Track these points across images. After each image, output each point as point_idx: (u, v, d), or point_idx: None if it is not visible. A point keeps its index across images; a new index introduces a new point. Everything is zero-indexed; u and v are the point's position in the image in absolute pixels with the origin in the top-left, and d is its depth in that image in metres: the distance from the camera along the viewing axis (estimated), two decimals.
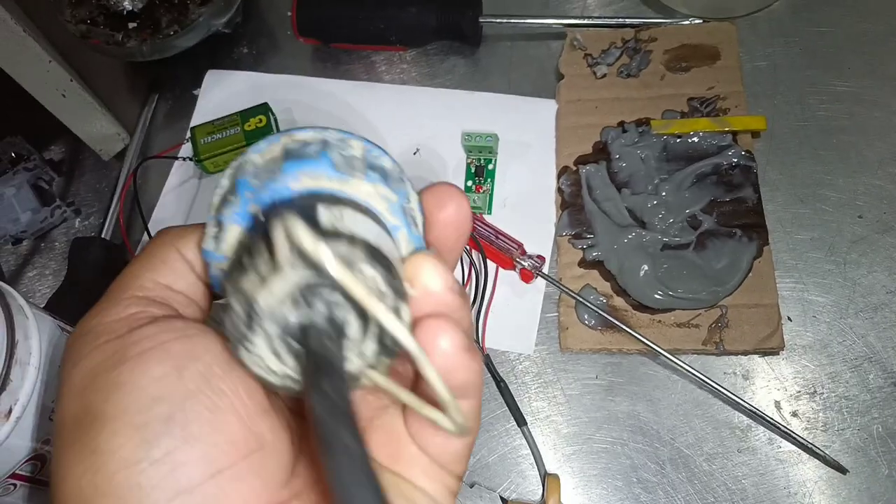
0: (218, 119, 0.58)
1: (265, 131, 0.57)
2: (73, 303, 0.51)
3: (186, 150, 0.58)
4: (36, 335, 0.31)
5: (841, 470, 0.42)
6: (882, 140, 0.51)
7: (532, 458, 0.45)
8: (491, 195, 0.53)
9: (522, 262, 0.48)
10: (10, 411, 0.29)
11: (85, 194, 0.60)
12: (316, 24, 0.59)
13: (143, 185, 0.59)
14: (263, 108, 0.58)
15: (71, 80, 0.53)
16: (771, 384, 0.45)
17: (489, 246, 0.49)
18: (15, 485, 0.31)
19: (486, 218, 0.52)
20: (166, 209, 0.57)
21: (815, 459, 0.42)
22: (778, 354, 0.46)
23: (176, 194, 0.58)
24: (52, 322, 0.33)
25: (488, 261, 0.50)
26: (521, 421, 0.45)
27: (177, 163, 0.59)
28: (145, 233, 0.55)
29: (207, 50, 0.63)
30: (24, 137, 0.61)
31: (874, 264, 0.47)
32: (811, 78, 0.54)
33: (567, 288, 0.48)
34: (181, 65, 0.63)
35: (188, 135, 0.59)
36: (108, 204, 0.58)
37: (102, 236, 0.55)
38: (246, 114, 0.57)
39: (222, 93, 0.62)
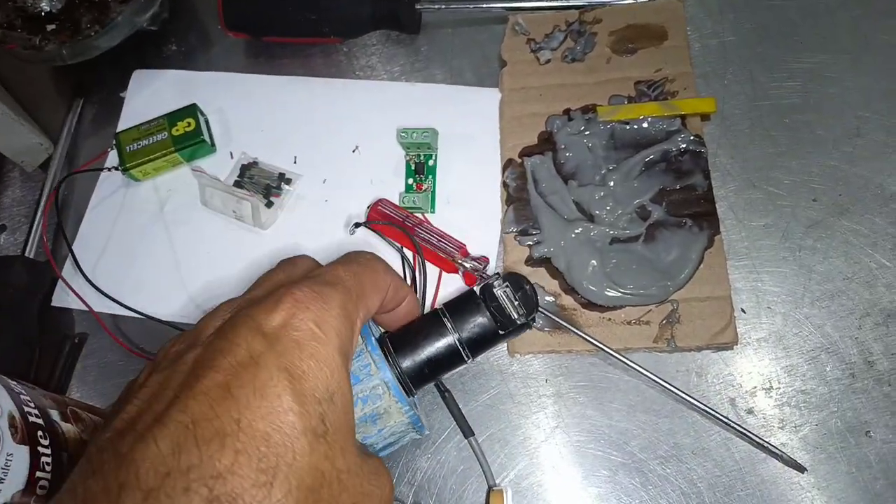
0: (144, 123, 0.55)
1: (194, 135, 0.54)
2: None
3: (113, 157, 0.55)
4: None
5: (799, 469, 0.40)
6: (836, 118, 0.49)
7: (480, 470, 0.43)
8: (433, 193, 0.51)
9: (464, 265, 0.46)
10: None
11: (10, 209, 0.57)
12: (244, 17, 0.56)
13: (70, 196, 0.56)
14: (191, 110, 0.55)
15: None
16: (725, 381, 0.43)
17: (430, 250, 0.47)
18: None
19: (429, 217, 0.50)
20: (93, 223, 0.54)
21: (773, 459, 0.41)
22: (732, 349, 0.44)
23: (104, 206, 0.55)
24: None
25: (431, 265, 0.47)
26: (467, 432, 0.43)
27: (104, 172, 0.56)
28: (70, 254, 0.52)
29: (133, 49, 0.60)
30: None
31: (830, 249, 0.45)
32: (762, 55, 0.52)
33: None
34: (106, 66, 0.60)
35: (113, 142, 0.55)
36: (33, 219, 0.55)
37: (25, 254, 0.52)
38: (173, 116, 0.54)
39: (150, 94, 0.59)
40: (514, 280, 0.39)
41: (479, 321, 0.38)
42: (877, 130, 0.48)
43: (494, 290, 0.39)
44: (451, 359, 0.39)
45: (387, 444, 0.38)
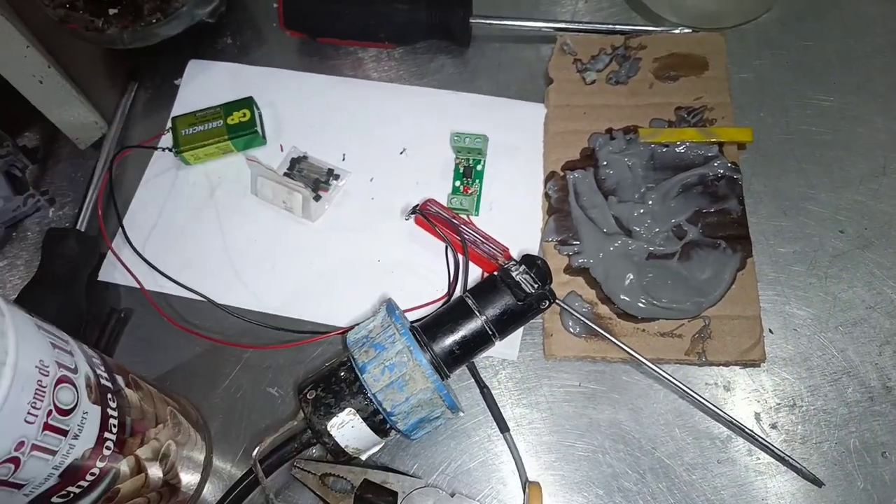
0: (200, 111, 0.57)
1: (249, 126, 0.56)
2: (45, 295, 0.50)
3: (166, 140, 0.57)
4: (12, 333, 0.30)
5: (817, 483, 0.43)
6: (864, 156, 0.52)
7: (514, 464, 0.44)
8: (479, 197, 0.53)
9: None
10: None
11: (60, 183, 0.59)
12: (303, 17, 0.58)
13: (120, 175, 0.57)
14: (248, 103, 0.56)
15: (48, 67, 0.52)
16: (751, 396, 0.45)
17: (474, 250, 0.49)
18: None
19: (473, 220, 0.52)
20: (143, 201, 0.56)
21: (793, 472, 0.43)
22: (759, 366, 0.46)
23: (153, 186, 0.57)
24: (28, 318, 0.32)
25: (472, 264, 0.49)
26: (503, 427, 0.45)
27: (156, 153, 0.58)
28: (120, 227, 0.54)
29: (190, 39, 0.62)
30: None
31: (854, 279, 0.48)
32: (797, 91, 0.55)
33: None
34: (162, 54, 0.62)
35: (168, 125, 0.57)
36: (83, 194, 0.56)
37: (77, 228, 0.53)
38: (230, 107, 0.56)
39: (204, 84, 0.61)
40: (528, 259, 0.44)
41: (499, 298, 0.42)
42: None
43: (511, 272, 0.42)
44: (479, 338, 0.42)
45: (419, 418, 0.41)
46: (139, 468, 0.39)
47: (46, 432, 0.32)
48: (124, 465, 0.38)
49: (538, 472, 0.44)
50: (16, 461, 0.30)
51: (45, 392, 0.31)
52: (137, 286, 0.52)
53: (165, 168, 0.57)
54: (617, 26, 0.57)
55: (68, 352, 0.34)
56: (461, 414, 0.42)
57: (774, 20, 0.58)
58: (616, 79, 0.56)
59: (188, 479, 0.44)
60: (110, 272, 0.54)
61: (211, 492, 0.46)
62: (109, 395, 0.36)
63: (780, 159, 0.52)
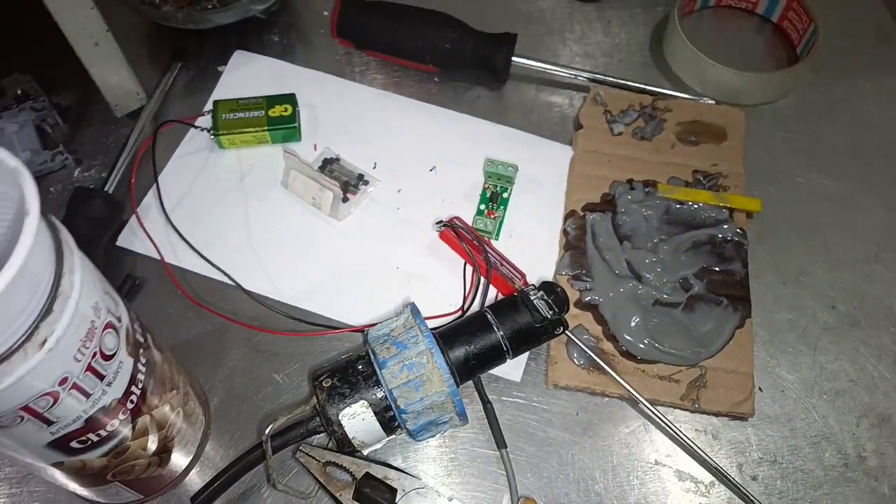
0: (243, 98, 0.58)
1: (289, 121, 0.57)
2: None
3: (204, 122, 0.58)
4: (79, 271, 0.31)
5: None
6: (861, 241, 0.55)
7: (506, 481, 0.46)
8: (501, 222, 0.55)
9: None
10: (44, 342, 0.29)
11: (89, 146, 0.59)
12: (356, 27, 0.61)
13: (149, 149, 0.58)
14: (291, 98, 0.58)
15: (106, 31, 0.53)
16: (736, 447, 0.48)
17: (493, 272, 0.51)
18: (23, 417, 0.30)
19: (493, 243, 0.54)
20: (172, 176, 0.57)
21: None
22: (746, 420, 0.48)
23: (184, 163, 0.58)
24: (88, 261, 0.33)
25: (489, 286, 0.51)
26: (501, 443, 0.46)
27: (191, 132, 0.59)
28: (157, 195, 0.54)
29: (239, 31, 0.64)
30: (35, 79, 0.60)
31: (841, 353, 0.51)
32: (805, 174, 0.59)
33: None
34: (209, 39, 0.64)
35: (209, 107, 0.59)
36: (112, 159, 0.57)
37: (105, 190, 0.54)
38: (272, 99, 0.58)
39: (247, 75, 0.62)
40: (547, 286, 0.46)
41: (518, 317, 0.44)
42: (893, 260, 0.54)
43: (530, 295, 0.45)
44: (494, 353, 0.44)
45: (428, 420, 0.42)
46: (146, 429, 0.40)
47: (88, 373, 0.32)
48: (140, 423, 0.38)
49: (528, 491, 0.46)
50: (56, 396, 0.31)
51: (95, 334, 0.32)
52: (154, 256, 0.53)
53: (198, 148, 0.58)
54: (648, 87, 0.61)
55: (115, 301, 0.35)
56: (466, 422, 0.44)
57: (790, 106, 0.63)
58: (641, 134, 0.59)
59: (182, 451, 0.45)
60: (129, 239, 0.54)
61: (198, 475, 0.46)
62: (141, 350, 0.37)
63: (784, 232, 0.56)
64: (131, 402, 0.36)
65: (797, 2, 0.64)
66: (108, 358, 0.33)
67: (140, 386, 0.37)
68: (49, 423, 0.32)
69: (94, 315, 0.32)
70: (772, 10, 0.67)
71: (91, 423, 0.34)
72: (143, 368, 0.37)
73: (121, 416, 0.36)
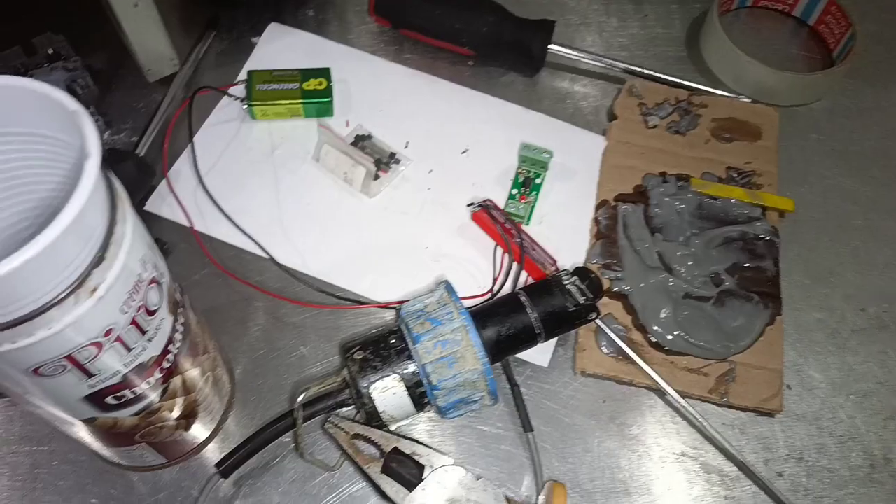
0: (277, 70, 0.58)
1: (324, 94, 0.57)
2: None
3: (237, 91, 0.58)
4: (130, 222, 0.30)
5: None
6: (890, 247, 0.55)
7: (531, 464, 0.45)
8: (533, 208, 0.55)
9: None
10: (95, 289, 0.28)
11: (119, 110, 0.59)
12: (394, 6, 0.60)
13: (182, 114, 0.57)
14: (326, 72, 0.58)
15: None
16: (763, 443, 0.47)
17: (525, 255, 0.51)
18: (65, 367, 0.30)
19: (524, 227, 0.54)
20: (203, 144, 0.56)
21: None
22: (774, 417, 0.48)
23: (215, 131, 0.57)
24: (137, 216, 0.32)
25: (521, 269, 0.51)
26: (527, 427, 0.46)
27: (224, 100, 0.58)
28: (192, 158, 0.54)
29: (273, 3, 0.64)
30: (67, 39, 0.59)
31: (869, 355, 0.51)
32: (837, 177, 0.59)
33: None
34: (244, 10, 0.63)
35: (243, 77, 0.58)
36: (142, 124, 0.57)
37: (136, 153, 0.54)
38: (307, 73, 0.58)
39: (281, 47, 0.62)
40: (581, 271, 0.46)
41: (552, 300, 0.44)
42: None
43: (564, 279, 0.44)
44: (526, 334, 0.44)
45: (459, 398, 0.42)
46: (176, 391, 0.39)
47: (131, 327, 0.32)
48: (172, 384, 0.38)
49: (553, 476, 0.46)
50: (99, 347, 0.31)
51: (141, 287, 0.32)
52: (182, 222, 0.52)
53: (230, 117, 0.58)
54: (684, 82, 0.61)
55: (159, 257, 0.35)
56: (498, 401, 0.44)
57: (824, 109, 0.62)
58: (676, 128, 0.59)
59: (206, 417, 0.44)
60: (158, 204, 0.54)
61: (217, 445, 0.46)
62: (179, 310, 0.37)
63: (815, 233, 0.56)
64: (167, 361, 0.36)
65: (836, 6, 0.64)
66: (151, 313, 0.33)
67: (176, 346, 0.36)
68: (89, 375, 0.32)
69: (141, 268, 0.31)
70: (809, 13, 0.66)
71: (128, 380, 0.34)
72: (180, 328, 0.37)
73: (156, 375, 0.36)
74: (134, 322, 0.32)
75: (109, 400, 0.34)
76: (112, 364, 0.32)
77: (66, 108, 0.28)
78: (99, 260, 0.28)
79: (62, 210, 0.25)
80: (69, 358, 0.30)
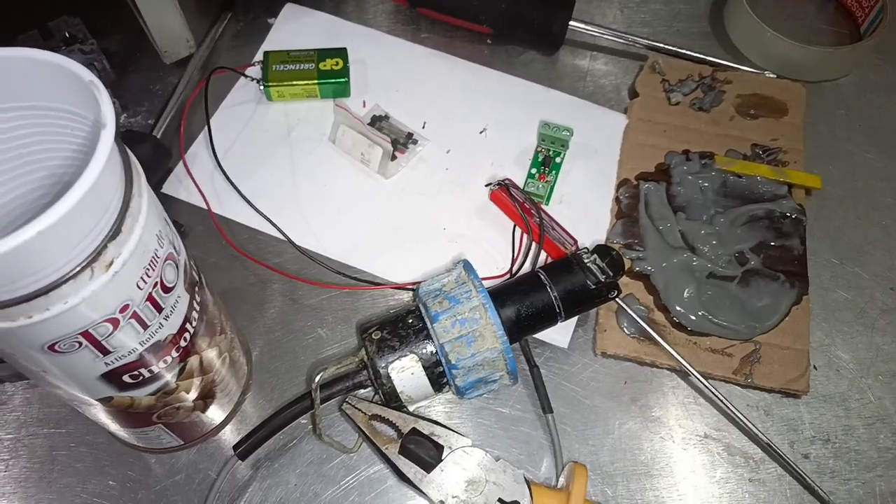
0: (294, 51, 0.57)
1: (340, 75, 0.56)
2: None
3: (254, 73, 0.57)
4: (146, 196, 0.30)
5: None
6: None
7: (550, 446, 0.45)
8: (552, 187, 0.54)
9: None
10: (111, 263, 0.28)
11: (134, 92, 0.58)
12: None
13: (199, 97, 0.57)
14: (342, 52, 0.57)
15: None
16: (788, 424, 0.46)
17: (545, 234, 0.50)
18: (81, 343, 0.30)
19: (544, 207, 0.53)
20: (219, 125, 0.56)
21: (819, 503, 0.44)
22: (800, 398, 0.47)
23: (232, 113, 0.57)
24: (152, 192, 0.32)
25: (541, 249, 0.50)
26: (547, 408, 0.45)
27: (240, 81, 0.58)
28: (208, 141, 0.54)
29: None
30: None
31: None
32: (865, 154, 0.57)
33: None
34: None
35: (259, 58, 0.58)
36: (158, 106, 0.57)
37: (153, 135, 0.53)
38: (323, 53, 0.57)
39: (297, 28, 0.61)
40: (602, 249, 0.45)
41: (573, 278, 0.43)
42: None
43: (584, 258, 0.43)
44: (546, 313, 0.43)
45: (478, 378, 0.41)
46: (193, 371, 0.39)
47: (147, 303, 0.31)
48: (189, 363, 0.38)
49: (573, 457, 0.45)
50: (115, 323, 0.30)
51: (157, 263, 0.31)
52: (199, 204, 0.52)
53: (246, 99, 0.58)
54: (708, 57, 0.59)
55: (174, 233, 0.34)
56: (517, 382, 0.43)
57: (851, 84, 0.61)
58: (699, 105, 0.58)
59: (224, 398, 0.44)
60: (174, 187, 0.53)
61: (234, 427, 0.46)
62: (196, 287, 0.36)
63: (842, 211, 0.54)
64: (184, 339, 0.36)
65: None
66: (167, 290, 0.33)
67: (193, 325, 0.36)
68: (105, 352, 0.31)
69: (157, 244, 0.31)
70: None
71: (144, 358, 0.34)
72: (197, 307, 0.36)
73: (172, 354, 0.36)
74: (150, 298, 0.31)
75: (126, 378, 0.34)
76: (128, 341, 0.32)
77: (81, 79, 0.28)
78: (115, 233, 0.28)
79: (77, 180, 0.25)
80: (85, 334, 0.30)
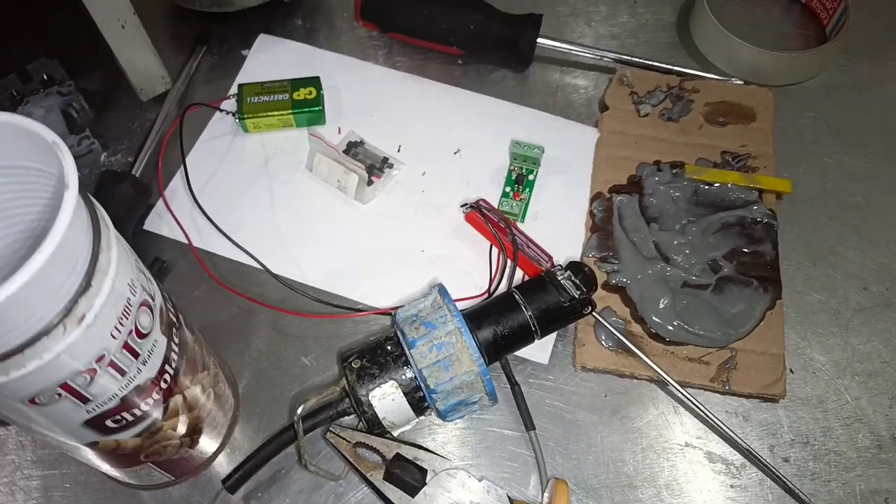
0: (268, 82, 0.58)
1: (314, 104, 0.57)
2: None
3: (229, 105, 0.58)
4: (115, 248, 0.31)
5: None
6: (892, 223, 0.55)
7: (534, 462, 0.46)
8: (527, 204, 0.55)
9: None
10: (83, 317, 0.29)
11: (115, 131, 0.59)
12: (380, 10, 0.61)
13: (174, 132, 0.58)
14: (315, 82, 0.58)
15: (133, 14, 0.53)
16: (768, 429, 0.47)
17: (520, 254, 0.51)
18: (61, 394, 0.30)
19: (519, 225, 0.54)
20: (197, 160, 0.57)
21: None
22: (778, 402, 0.48)
23: (209, 147, 0.58)
24: (122, 239, 0.33)
25: (516, 268, 0.51)
26: (529, 425, 0.46)
27: (216, 115, 0.59)
28: (184, 177, 0.55)
29: (262, 14, 0.64)
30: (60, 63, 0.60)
31: (873, 334, 0.50)
32: (835, 154, 0.58)
33: None
34: (233, 23, 0.64)
35: (233, 91, 0.59)
36: (137, 143, 0.58)
37: (132, 173, 0.54)
38: (297, 83, 0.58)
39: (271, 58, 0.62)
40: (574, 266, 0.46)
41: (546, 297, 0.44)
42: None
43: (557, 275, 0.44)
44: (522, 332, 0.44)
45: (458, 400, 0.42)
46: (178, 410, 0.40)
47: (124, 351, 0.32)
48: (172, 403, 0.38)
49: (557, 473, 0.46)
50: (93, 373, 0.31)
51: (130, 311, 0.32)
52: (180, 239, 0.53)
53: (223, 132, 0.59)
54: (675, 67, 0.60)
55: (148, 279, 0.35)
56: (496, 402, 0.44)
57: (819, 86, 0.62)
58: (668, 115, 0.58)
59: (212, 432, 0.45)
60: (156, 223, 0.54)
61: (226, 458, 0.46)
62: (174, 330, 0.37)
63: (813, 213, 0.55)
64: (164, 381, 0.37)
65: None
66: (143, 336, 0.33)
67: (173, 366, 0.37)
68: (85, 400, 0.32)
69: (129, 292, 0.32)
70: None
71: (126, 402, 0.34)
72: (175, 348, 0.37)
73: (154, 396, 0.36)
74: (126, 346, 0.32)
75: (109, 423, 0.35)
76: (107, 389, 0.33)
77: (44, 139, 0.29)
78: (85, 288, 0.29)
79: (43, 241, 0.26)
80: (64, 386, 0.30)
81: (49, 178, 0.31)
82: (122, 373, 0.33)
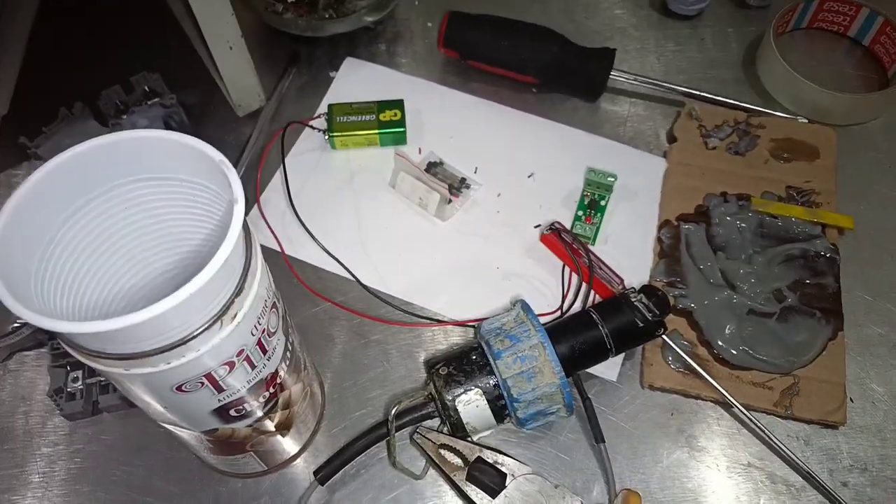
0: (356, 103, 0.62)
1: (398, 125, 0.61)
2: None
3: (319, 123, 0.62)
4: (259, 255, 0.34)
5: None
6: None
7: (602, 474, 0.48)
8: (598, 228, 0.58)
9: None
10: (235, 315, 0.32)
11: (210, 143, 0.63)
12: (462, 40, 0.64)
13: (274, 145, 0.62)
14: (399, 104, 0.62)
15: (241, 36, 0.57)
16: (828, 454, 0.49)
17: (593, 274, 0.54)
18: (203, 383, 0.34)
19: (590, 247, 0.57)
20: (289, 171, 0.61)
21: None
22: (838, 429, 0.50)
23: (299, 161, 0.62)
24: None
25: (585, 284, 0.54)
26: (599, 438, 0.49)
27: (304, 133, 0.63)
28: (285, 188, 0.59)
29: (348, 39, 0.68)
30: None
31: None
32: (895, 193, 0.60)
33: None
34: (322, 46, 0.68)
35: (324, 110, 0.63)
36: (232, 156, 0.61)
37: None
38: (383, 105, 0.62)
39: (357, 80, 0.66)
40: (648, 289, 0.49)
41: (622, 317, 0.47)
42: None
43: (632, 297, 0.47)
44: (598, 349, 0.47)
45: (536, 410, 0.45)
46: (284, 403, 0.43)
47: (257, 347, 0.36)
48: (282, 397, 0.42)
49: (624, 485, 0.48)
50: (232, 365, 0.35)
51: (265, 312, 0.36)
52: (273, 247, 0.57)
53: (311, 147, 0.62)
54: (742, 103, 0.63)
55: (272, 284, 0.39)
56: (572, 413, 0.47)
57: (881, 127, 0.64)
58: (735, 149, 0.61)
59: (303, 427, 0.48)
60: None
61: (307, 454, 0.50)
62: (290, 330, 0.41)
63: (875, 250, 0.57)
64: (279, 378, 0.40)
65: (891, 26, 0.65)
66: (271, 334, 0.37)
67: (287, 363, 0.41)
68: (220, 390, 0.36)
69: (266, 295, 0.36)
70: (864, 33, 0.68)
71: (249, 394, 0.38)
72: (290, 346, 0.41)
73: (270, 390, 0.40)
74: (259, 343, 0.36)
75: (232, 412, 0.38)
76: (239, 380, 0.36)
77: (211, 158, 0.32)
78: (239, 290, 0.32)
79: (217, 251, 0.29)
80: (207, 376, 0.34)
81: (201, 189, 0.35)
82: (253, 367, 0.36)
